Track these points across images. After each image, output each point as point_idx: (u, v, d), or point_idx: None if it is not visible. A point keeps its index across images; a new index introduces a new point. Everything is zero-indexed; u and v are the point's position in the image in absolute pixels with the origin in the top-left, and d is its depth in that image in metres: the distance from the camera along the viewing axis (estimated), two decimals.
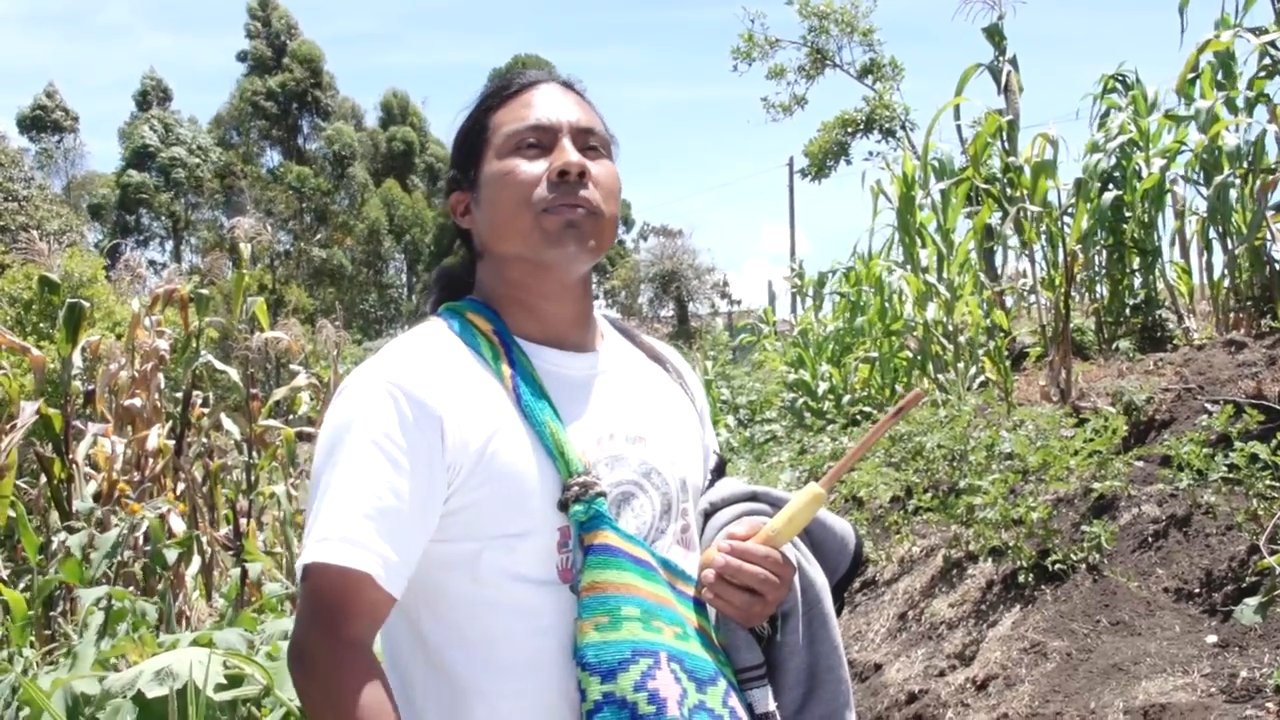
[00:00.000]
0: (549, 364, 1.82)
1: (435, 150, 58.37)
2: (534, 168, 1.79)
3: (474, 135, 1.88)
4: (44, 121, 53.35)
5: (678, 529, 1.86)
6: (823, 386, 13.86)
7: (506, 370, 1.76)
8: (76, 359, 7.42)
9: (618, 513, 1.75)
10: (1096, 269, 10.74)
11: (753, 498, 1.94)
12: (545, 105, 1.84)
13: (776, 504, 1.90)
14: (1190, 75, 9.45)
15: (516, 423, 1.72)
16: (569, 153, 1.79)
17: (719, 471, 2.04)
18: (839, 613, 1.99)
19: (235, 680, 3.30)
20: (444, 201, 1.96)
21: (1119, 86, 10.92)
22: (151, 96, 54.90)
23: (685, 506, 1.89)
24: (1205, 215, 9.20)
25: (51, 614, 5.56)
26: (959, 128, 11.70)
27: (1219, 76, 9.43)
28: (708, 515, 1.93)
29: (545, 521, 1.70)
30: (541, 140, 1.81)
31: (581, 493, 1.69)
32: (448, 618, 1.72)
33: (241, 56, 56.23)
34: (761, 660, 1.82)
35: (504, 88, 1.89)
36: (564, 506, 1.69)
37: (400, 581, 1.63)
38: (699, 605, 1.80)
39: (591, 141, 1.85)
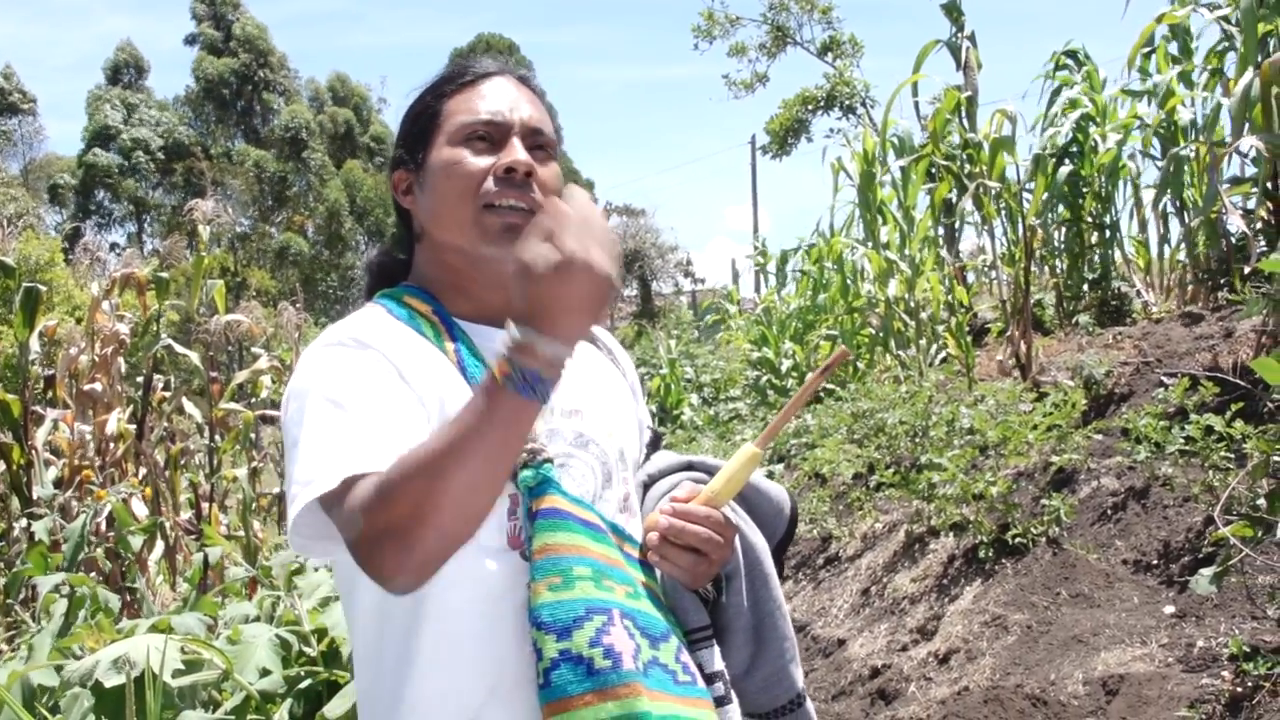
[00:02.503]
0: (487, 341, 1.82)
1: (375, 131, 58.28)
2: (481, 161, 1.81)
3: (425, 118, 1.88)
4: (0, 104, 52.67)
5: (620, 497, 1.88)
6: (786, 364, 13.92)
7: (449, 345, 1.78)
8: (34, 344, 7.36)
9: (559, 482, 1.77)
10: (1056, 244, 10.81)
11: (689, 467, 1.98)
12: (500, 99, 1.86)
13: (712, 472, 1.93)
14: (1145, 49, 9.50)
15: (465, 393, 1.70)
16: (518, 151, 1.81)
17: (654, 445, 2.07)
18: (779, 578, 2.01)
19: (194, 665, 3.29)
20: (387, 179, 1.97)
21: (1070, 63, 10.97)
22: (125, 73, 54.28)
23: (625, 475, 1.91)
24: (1158, 188, 9.26)
25: (10, 601, 5.53)
26: (917, 104, 11.72)
27: (1174, 50, 9.49)
28: (646, 487, 1.96)
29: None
30: (492, 135, 1.83)
31: (529, 459, 1.70)
32: None
33: (190, 40, 55.62)
34: (708, 622, 1.85)
35: (459, 74, 1.90)
36: (512, 474, 1.70)
37: None
38: (646, 568, 1.83)
39: (540, 141, 1.86)
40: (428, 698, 1.70)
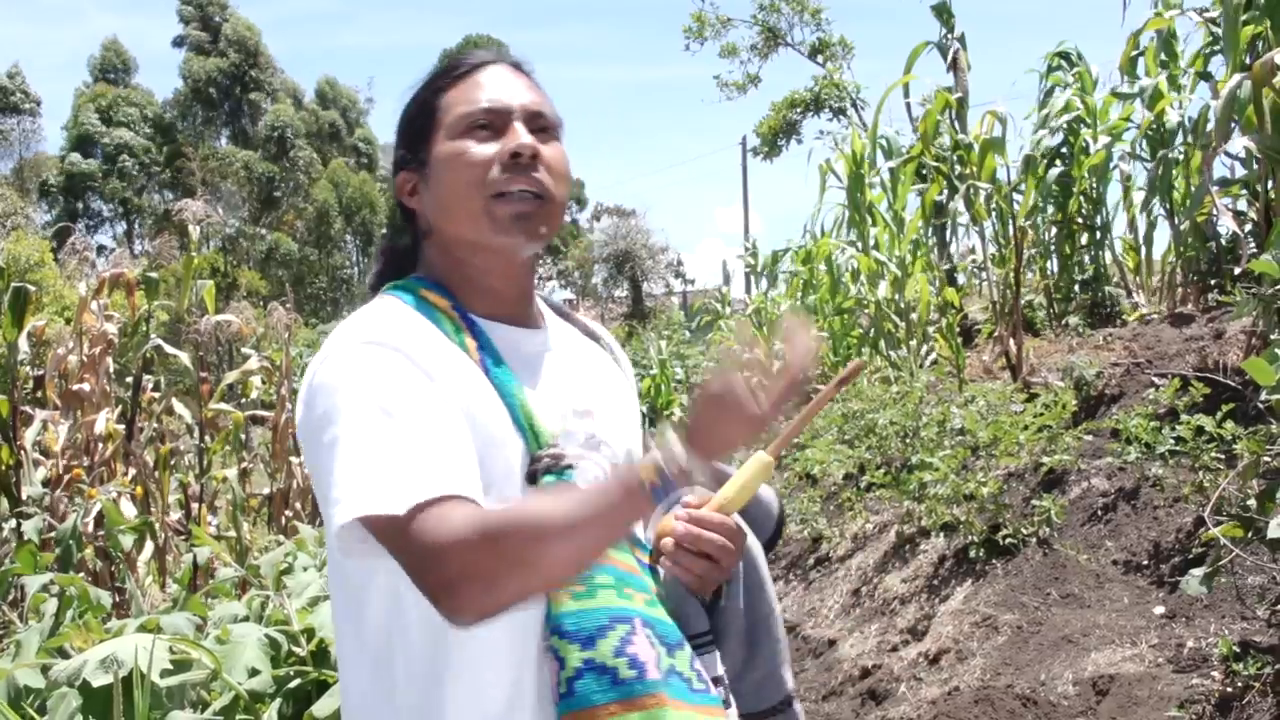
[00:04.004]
0: (502, 339, 1.80)
1: (363, 133, 58.52)
2: (485, 149, 1.77)
3: (423, 115, 1.85)
4: (2, 104, 52.39)
5: None
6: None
7: (471, 343, 1.75)
8: (23, 344, 7.34)
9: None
10: (1046, 245, 10.83)
11: None
12: (497, 87, 1.83)
13: None
14: (1133, 53, 9.52)
15: (490, 395, 1.70)
16: (521, 135, 1.78)
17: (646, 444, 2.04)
18: None
19: (183, 665, 3.28)
20: (390, 181, 1.94)
21: (1064, 64, 10.99)
22: (111, 72, 54.11)
23: None
24: (1147, 189, 9.28)
25: None
26: (908, 106, 11.75)
27: (1162, 54, 9.51)
28: None
29: (515, 494, 1.68)
30: (493, 122, 1.79)
31: (553, 463, 1.69)
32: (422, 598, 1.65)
33: (178, 42, 55.45)
34: (709, 627, 1.85)
35: (454, 68, 1.87)
36: (533, 478, 1.68)
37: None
38: (653, 573, 1.81)
39: (542, 124, 1.83)
40: (450, 706, 1.67)
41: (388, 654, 1.70)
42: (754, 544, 1.92)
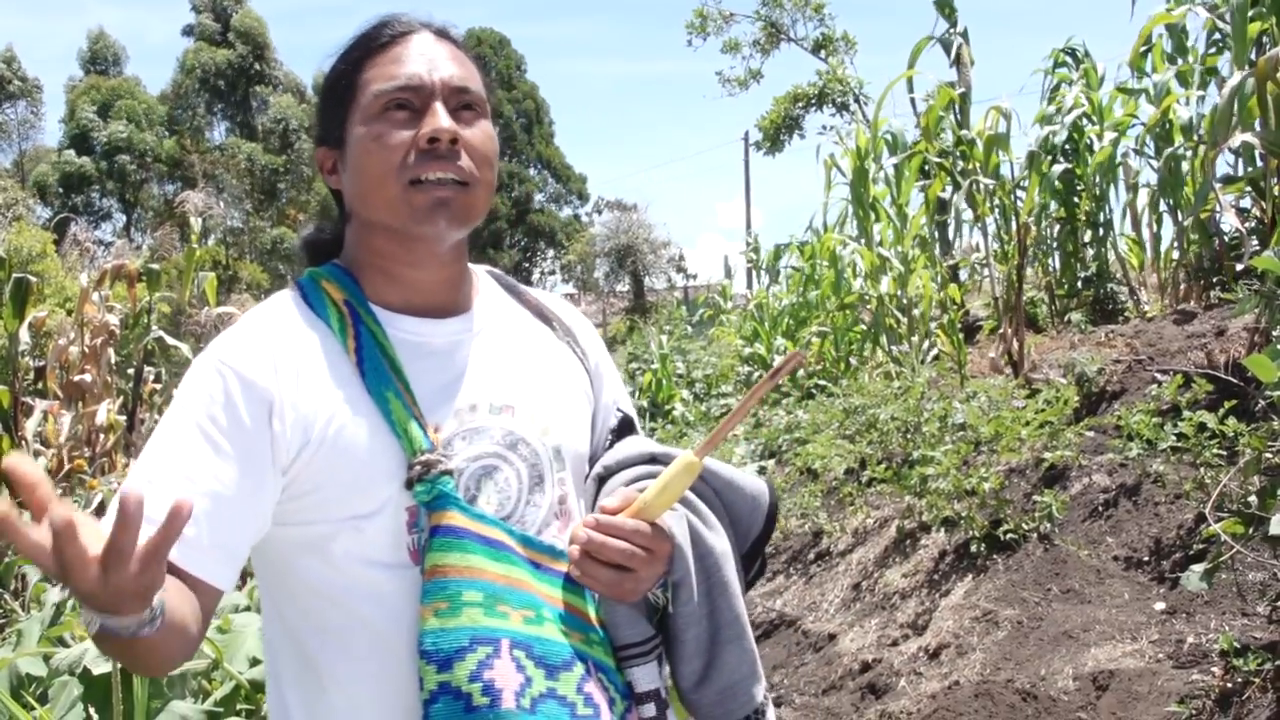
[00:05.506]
0: (406, 333, 1.72)
1: None
2: (403, 133, 1.67)
3: (342, 89, 1.75)
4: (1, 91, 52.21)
5: (553, 500, 1.76)
6: (778, 360, 13.90)
7: (352, 344, 1.67)
8: (24, 335, 7.34)
9: (478, 487, 1.67)
10: (1049, 242, 10.82)
11: (652, 459, 1.81)
12: (417, 60, 1.72)
13: None
14: (1143, 48, 9.51)
15: (361, 399, 1.64)
16: (440, 118, 1.68)
17: (623, 430, 1.91)
18: (759, 575, 1.89)
19: None
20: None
21: (1069, 60, 10.98)
22: (104, 63, 53.99)
23: (561, 476, 1.78)
24: (1155, 187, 9.27)
25: (0, 590, 5.52)
26: (913, 100, 11.74)
27: (1170, 50, 9.50)
28: (604, 479, 1.81)
29: (392, 502, 1.62)
30: (412, 101, 1.69)
31: (424, 472, 1.60)
32: (308, 605, 1.66)
33: (187, 31, 55.32)
34: (647, 636, 1.73)
35: (373, 37, 1.76)
36: (410, 486, 1.61)
37: (211, 565, 1.55)
38: (573, 582, 1.71)
39: (466, 100, 1.73)
40: (324, 716, 1.65)
41: (276, 657, 1.73)
42: (719, 545, 1.78)
